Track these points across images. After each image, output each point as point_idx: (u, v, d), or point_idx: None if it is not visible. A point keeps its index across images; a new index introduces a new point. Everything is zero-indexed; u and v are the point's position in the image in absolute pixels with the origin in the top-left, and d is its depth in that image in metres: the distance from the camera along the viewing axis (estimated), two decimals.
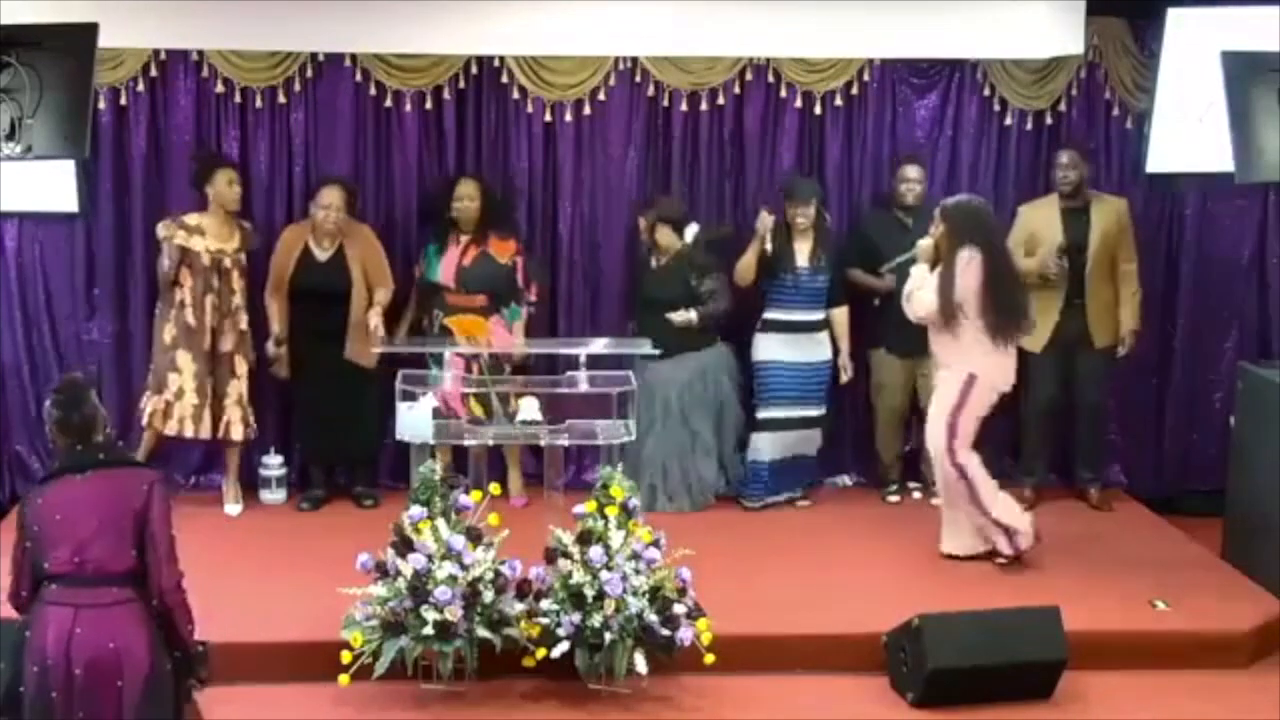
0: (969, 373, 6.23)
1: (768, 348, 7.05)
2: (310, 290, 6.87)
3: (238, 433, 6.89)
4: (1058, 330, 7.07)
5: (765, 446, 7.09)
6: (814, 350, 7.07)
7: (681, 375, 6.94)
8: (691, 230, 6.97)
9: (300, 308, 6.90)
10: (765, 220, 6.91)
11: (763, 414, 7.09)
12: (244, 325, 6.88)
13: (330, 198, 6.80)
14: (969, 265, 6.14)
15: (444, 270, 6.94)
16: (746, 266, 6.98)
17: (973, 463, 6.30)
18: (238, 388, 6.89)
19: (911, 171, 7.09)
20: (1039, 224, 7.05)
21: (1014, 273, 6.39)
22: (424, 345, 6.76)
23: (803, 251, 6.98)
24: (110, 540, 3.96)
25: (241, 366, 6.89)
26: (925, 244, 6.33)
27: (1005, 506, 6.38)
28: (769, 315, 7.03)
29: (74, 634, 3.90)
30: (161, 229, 6.73)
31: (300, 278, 6.88)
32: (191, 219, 6.76)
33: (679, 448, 7.01)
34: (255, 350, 6.98)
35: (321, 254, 6.89)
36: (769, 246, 6.91)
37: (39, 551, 3.98)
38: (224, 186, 6.74)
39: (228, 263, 6.79)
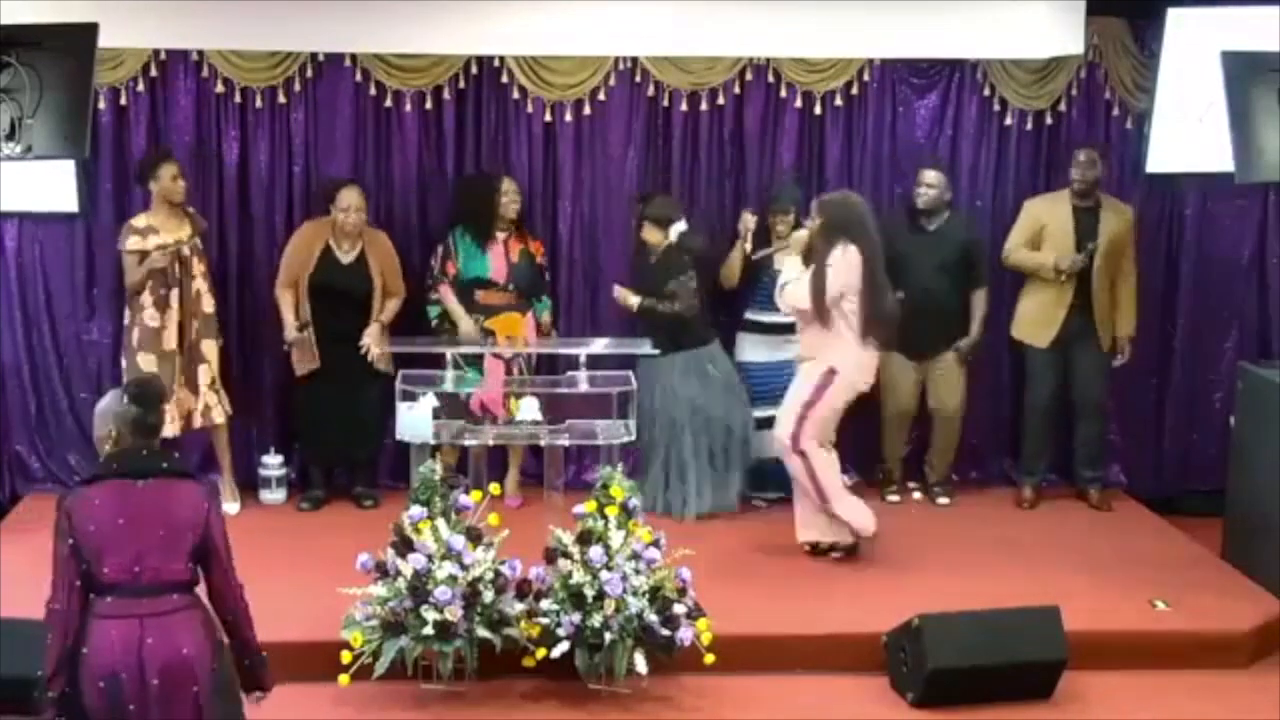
0: (829, 366, 6.20)
1: (748, 348, 7.10)
2: (332, 291, 6.86)
3: (219, 415, 6.89)
4: (1064, 327, 7.07)
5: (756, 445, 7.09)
6: (792, 350, 7.02)
7: (695, 380, 6.90)
8: (676, 229, 6.92)
9: (318, 308, 6.89)
10: (747, 221, 6.97)
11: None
12: (209, 309, 6.86)
13: (350, 199, 6.81)
14: (846, 261, 6.12)
15: (494, 267, 6.96)
16: (730, 268, 7.02)
17: (819, 456, 6.26)
18: (209, 372, 6.86)
19: (928, 176, 7.05)
20: (1049, 219, 7.04)
21: (884, 273, 6.29)
22: (443, 345, 6.75)
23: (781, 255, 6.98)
24: (171, 551, 3.91)
25: (211, 351, 6.87)
26: (800, 235, 6.32)
27: (850, 504, 6.35)
28: (749, 316, 7.07)
29: (144, 643, 3.84)
30: (129, 241, 6.68)
31: (322, 277, 6.87)
32: (140, 221, 6.74)
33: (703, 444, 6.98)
34: (224, 335, 7.02)
35: (344, 256, 6.90)
36: (748, 247, 6.93)
37: (91, 555, 3.87)
38: (169, 181, 6.69)
39: (186, 251, 6.75)
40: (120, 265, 7.15)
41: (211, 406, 6.87)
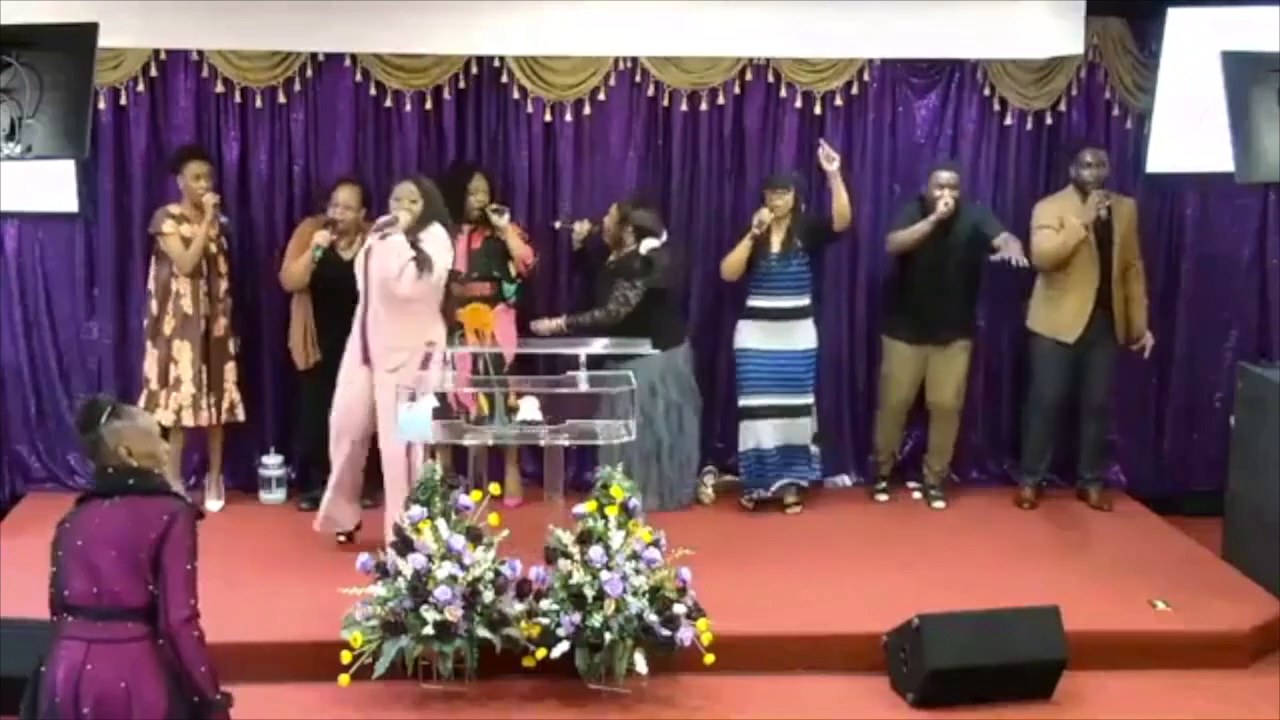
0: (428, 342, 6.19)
1: (748, 335, 7.05)
2: (334, 288, 6.81)
3: (241, 413, 6.98)
4: (1089, 326, 7.05)
5: (749, 436, 7.07)
6: (796, 338, 7.03)
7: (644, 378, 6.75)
8: (648, 244, 6.88)
9: (320, 306, 6.88)
10: (764, 215, 6.89)
11: (742, 402, 7.09)
12: (231, 308, 6.94)
13: (344, 196, 6.82)
14: (442, 240, 6.14)
15: (456, 257, 6.93)
16: (737, 260, 6.97)
17: (417, 452, 6.21)
18: (235, 370, 6.96)
19: (944, 177, 6.96)
20: (1066, 214, 6.97)
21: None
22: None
23: (776, 239, 6.97)
24: (126, 572, 3.74)
25: (233, 349, 6.96)
26: (405, 217, 6.22)
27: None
28: (751, 303, 7.03)
29: (84, 670, 3.70)
30: (166, 225, 6.73)
31: (325, 274, 6.83)
32: (175, 209, 6.80)
33: (643, 449, 6.85)
34: (242, 333, 7.09)
35: (345, 253, 6.85)
36: (798, 241, 6.91)
37: (61, 577, 3.80)
38: (191, 180, 6.76)
39: (213, 248, 6.83)
40: (121, 264, 7.18)
41: (236, 404, 6.96)
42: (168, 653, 3.79)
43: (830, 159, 6.78)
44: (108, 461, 3.88)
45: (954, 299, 7.10)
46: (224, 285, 6.92)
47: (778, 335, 7.03)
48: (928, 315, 7.05)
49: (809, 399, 7.11)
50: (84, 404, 4.00)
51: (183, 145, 6.99)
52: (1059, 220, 6.98)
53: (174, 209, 6.80)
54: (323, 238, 6.76)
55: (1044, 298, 7.16)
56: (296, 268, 6.82)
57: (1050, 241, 6.98)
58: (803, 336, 7.07)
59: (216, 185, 7.07)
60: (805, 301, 7.05)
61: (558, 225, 7.15)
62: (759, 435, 7.06)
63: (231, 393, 6.96)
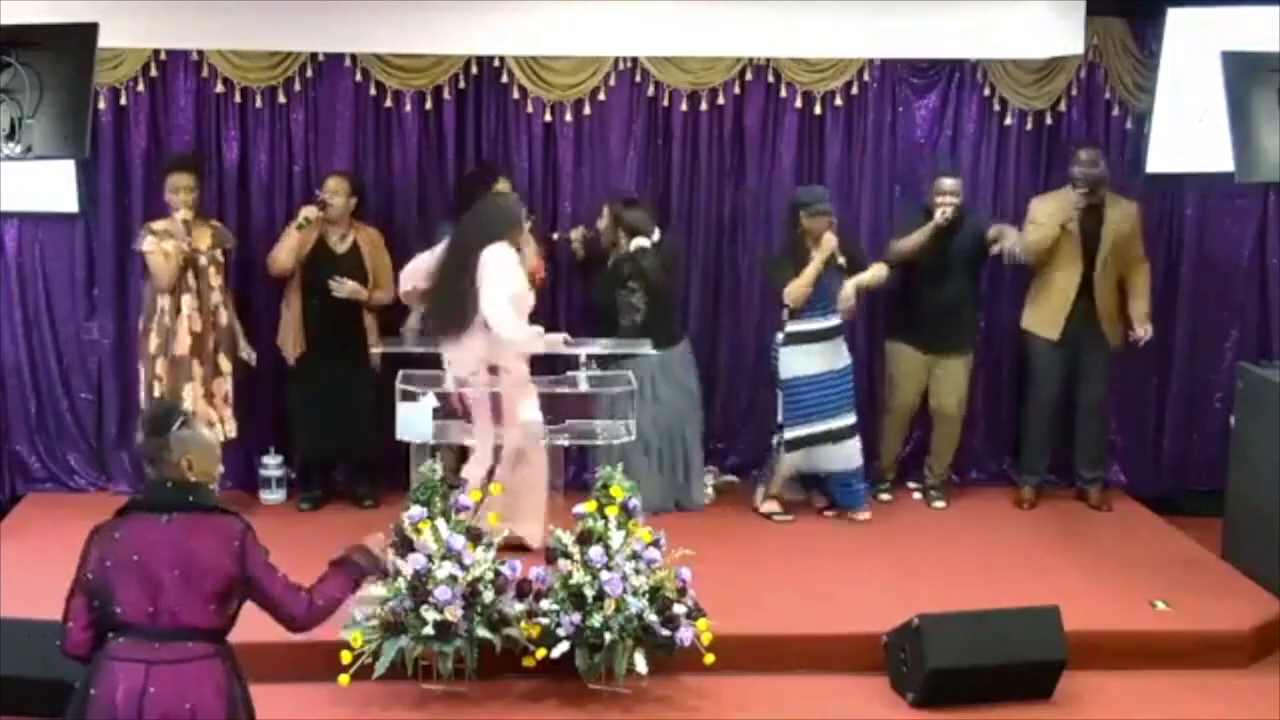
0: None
1: (796, 362, 6.82)
2: (324, 278, 6.83)
3: (231, 429, 6.84)
4: (1070, 321, 7.05)
5: (800, 464, 6.94)
6: (838, 357, 6.88)
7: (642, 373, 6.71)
8: (637, 242, 6.82)
9: (311, 299, 6.87)
10: (831, 240, 6.74)
11: (793, 433, 6.87)
12: (224, 322, 6.83)
13: (331, 184, 6.81)
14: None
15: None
16: (806, 287, 6.72)
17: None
18: (223, 386, 6.84)
19: (947, 184, 6.94)
20: (1058, 210, 6.97)
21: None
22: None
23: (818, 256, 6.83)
24: (190, 593, 3.67)
25: (226, 365, 6.85)
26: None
27: None
28: (794, 327, 6.79)
29: (146, 692, 3.60)
30: (146, 243, 6.68)
31: (316, 267, 6.84)
32: (159, 225, 6.70)
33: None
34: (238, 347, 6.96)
35: (337, 246, 6.88)
36: (842, 260, 6.77)
37: (107, 592, 3.67)
38: (169, 192, 6.69)
39: (203, 261, 6.72)
40: (121, 264, 7.18)
41: (226, 420, 6.83)
42: (230, 669, 3.79)
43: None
44: (166, 473, 3.79)
45: (958, 308, 7.09)
46: (214, 299, 6.76)
47: (826, 356, 6.84)
48: (933, 324, 7.05)
49: (854, 417, 6.94)
50: (158, 407, 3.93)
51: (170, 154, 6.94)
52: (1052, 220, 6.97)
53: (156, 225, 6.70)
54: (310, 211, 6.74)
55: (1032, 295, 7.19)
56: (282, 249, 6.79)
57: (1031, 235, 7.00)
58: (843, 354, 6.92)
59: (217, 186, 7.08)
60: (840, 319, 6.92)
61: (556, 237, 7.14)
62: (814, 461, 6.92)
63: (221, 409, 6.81)
